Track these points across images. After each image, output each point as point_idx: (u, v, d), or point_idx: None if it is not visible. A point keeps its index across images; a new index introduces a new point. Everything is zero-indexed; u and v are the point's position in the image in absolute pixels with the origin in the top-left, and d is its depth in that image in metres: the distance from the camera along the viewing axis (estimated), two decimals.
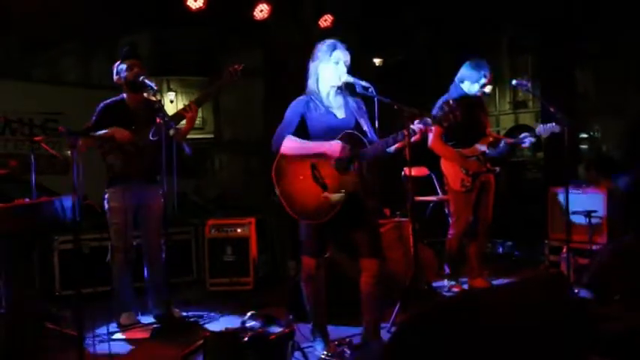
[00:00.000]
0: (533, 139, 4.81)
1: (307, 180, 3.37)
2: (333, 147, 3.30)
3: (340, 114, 3.48)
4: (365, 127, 3.48)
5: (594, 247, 5.17)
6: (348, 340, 3.66)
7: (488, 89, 4.91)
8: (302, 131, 3.44)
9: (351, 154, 3.32)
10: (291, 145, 3.38)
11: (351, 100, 3.54)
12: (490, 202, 4.99)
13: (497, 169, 4.89)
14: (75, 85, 7.57)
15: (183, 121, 4.35)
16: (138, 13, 6.99)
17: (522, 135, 4.88)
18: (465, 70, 4.81)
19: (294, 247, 4.74)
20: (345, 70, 3.42)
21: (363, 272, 3.45)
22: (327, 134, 3.39)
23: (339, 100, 3.51)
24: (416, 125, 3.28)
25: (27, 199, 3.77)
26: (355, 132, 3.42)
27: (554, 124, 4.62)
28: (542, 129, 4.72)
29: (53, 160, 4.39)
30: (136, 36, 7.43)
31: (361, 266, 3.46)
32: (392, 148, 3.38)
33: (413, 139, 3.30)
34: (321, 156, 3.35)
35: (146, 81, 4.20)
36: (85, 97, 6.20)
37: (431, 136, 4.78)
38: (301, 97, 3.48)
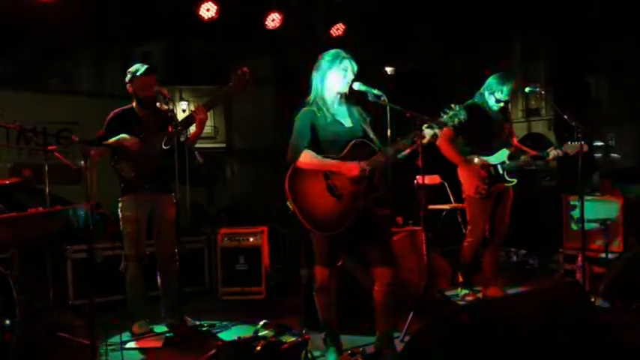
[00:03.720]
0: (558, 153, 4.77)
1: (322, 191, 3.35)
2: (351, 168, 3.31)
3: (347, 122, 3.49)
4: (372, 135, 3.49)
5: (610, 256, 5.11)
6: (361, 349, 3.64)
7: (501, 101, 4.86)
8: (311, 141, 3.43)
9: (368, 171, 3.32)
10: (308, 160, 3.36)
11: (354, 109, 3.55)
12: (507, 212, 4.94)
13: (515, 180, 4.84)
14: (89, 95, 7.62)
15: (193, 127, 4.36)
16: (151, 23, 7.04)
17: (549, 149, 4.84)
18: (489, 79, 4.84)
19: (306, 256, 4.74)
20: (351, 78, 3.43)
21: (377, 281, 3.43)
22: (337, 143, 3.40)
23: (344, 109, 3.51)
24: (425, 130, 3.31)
25: (40, 208, 3.79)
26: (365, 140, 3.42)
27: (582, 142, 4.56)
28: (569, 147, 4.68)
29: (66, 170, 4.41)
30: (149, 46, 7.48)
31: (374, 275, 3.44)
32: (404, 153, 3.39)
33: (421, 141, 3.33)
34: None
35: (160, 92, 4.21)
36: (99, 106, 6.24)
37: (440, 136, 4.77)
38: (307, 109, 3.47)
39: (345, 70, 3.41)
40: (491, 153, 4.82)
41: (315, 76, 3.48)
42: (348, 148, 3.38)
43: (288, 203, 3.36)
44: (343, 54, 3.44)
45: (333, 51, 3.48)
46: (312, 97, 3.50)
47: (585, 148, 4.58)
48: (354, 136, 3.44)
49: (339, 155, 3.38)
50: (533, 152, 4.92)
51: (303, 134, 3.40)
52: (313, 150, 3.39)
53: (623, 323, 3.66)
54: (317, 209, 3.34)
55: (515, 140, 5.08)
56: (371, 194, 3.37)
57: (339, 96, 3.47)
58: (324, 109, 3.44)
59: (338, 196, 3.33)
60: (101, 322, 3.72)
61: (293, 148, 3.39)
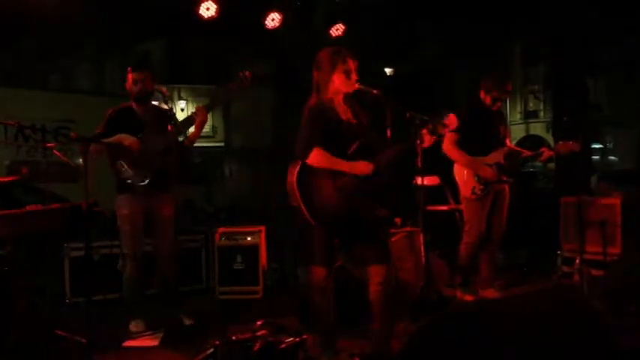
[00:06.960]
0: (551, 154, 4.79)
1: (328, 188, 3.34)
2: (363, 168, 3.34)
3: (352, 120, 3.48)
4: (374, 133, 3.49)
5: (608, 258, 5.11)
6: (358, 350, 3.63)
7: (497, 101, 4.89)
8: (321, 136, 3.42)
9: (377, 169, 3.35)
10: (319, 158, 3.34)
11: (358, 108, 3.54)
12: (504, 212, 4.95)
13: (511, 180, 4.86)
14: (88, 93, 7.62)
15: (192, 128, 4.36)
16: (151, 22, 7.05)
17: (541, 150, 4.86)
18: (484, 80, 4.84)
19: (303, 255, 4.73)
20: (355, 78, 3.41)
21: (371, 280, 3.42)
22: (343, 140, 3.39)
23: (348, 108, 3.50)
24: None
25: (39, 206, 3.78)
26: (371, 139, 3.43)
27: (573, 142, 4.58)
28: (561, 147, 4.69)
29: (64, 168, 4.40)
30: (148, 45, 7.49)
31: (368, 274, 3.44)
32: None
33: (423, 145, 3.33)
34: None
35: (159, 91, 4.22)
36: (98, 104, 6.23)
37: (445, 140, 4.79)
38: (315, 104, 3.44)
39: (349, 73, 3.40)
40: (487, 153, 4.82)
41: (318, 76, 3.45)
42: (354, 146, 3.37)
43: (292, 196, 3.33)
44: (344, 52, 3.43)
45: (334, 49, 3.46)
46: (318, 95, 3.46)
47: (576, 149, 4.58)
48: (360, 133, 3.43)
49: (345, 152, 3.38)
50: (527, 153, 4.94)
51: (314, 130, 3.36)
52: (320, 144, 3.37)
53: (621, 326, 3.66)
54: (319, 203, 3.32)
55: (508, 142, 5.09)
56: (372, 192, 3.38)
57: (343, 95, 3.46)
58: (330, 108, 3.43)
59: (340, 190, 3.33)
60: (98, 320, 3.71)
61: (304, 144, 3.35)
